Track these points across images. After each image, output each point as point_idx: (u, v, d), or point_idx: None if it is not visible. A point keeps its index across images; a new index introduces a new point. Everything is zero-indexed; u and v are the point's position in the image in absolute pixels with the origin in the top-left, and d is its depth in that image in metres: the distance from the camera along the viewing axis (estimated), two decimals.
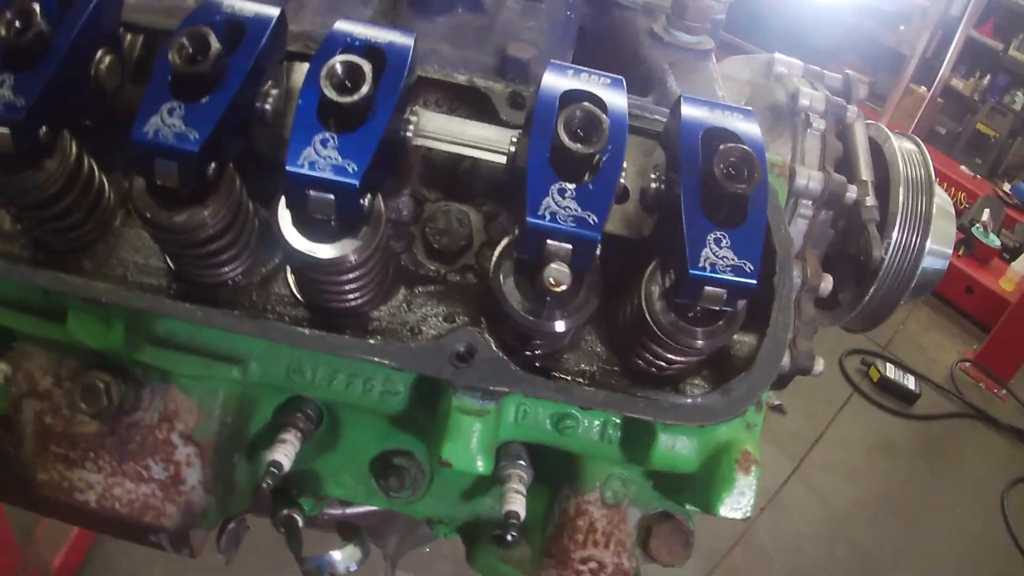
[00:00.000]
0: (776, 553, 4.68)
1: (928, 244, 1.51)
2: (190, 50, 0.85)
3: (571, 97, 0.89)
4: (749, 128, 0.91)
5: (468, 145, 0.99)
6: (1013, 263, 8.13)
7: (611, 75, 0.95)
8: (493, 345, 0.94)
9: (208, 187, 0.88)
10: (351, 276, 0.94)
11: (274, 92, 0.94)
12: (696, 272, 0.84)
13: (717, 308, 0.88)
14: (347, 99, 0.83)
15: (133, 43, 1.07)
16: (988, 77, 11.92)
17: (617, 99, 0.91)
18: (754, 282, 0.85)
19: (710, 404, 0.97)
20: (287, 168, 0.82)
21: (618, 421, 1.04)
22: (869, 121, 1.62)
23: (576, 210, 0.82)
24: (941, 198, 1.56)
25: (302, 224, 0.88)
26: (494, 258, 0.92)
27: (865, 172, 1.50)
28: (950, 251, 1.56)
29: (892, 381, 6.43)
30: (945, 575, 5.10)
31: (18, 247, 1.04)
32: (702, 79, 1.33)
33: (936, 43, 9.03)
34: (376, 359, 0.93)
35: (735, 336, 1.04)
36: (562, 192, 0.83)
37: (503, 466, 1.08)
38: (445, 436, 0.94)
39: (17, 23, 0.86)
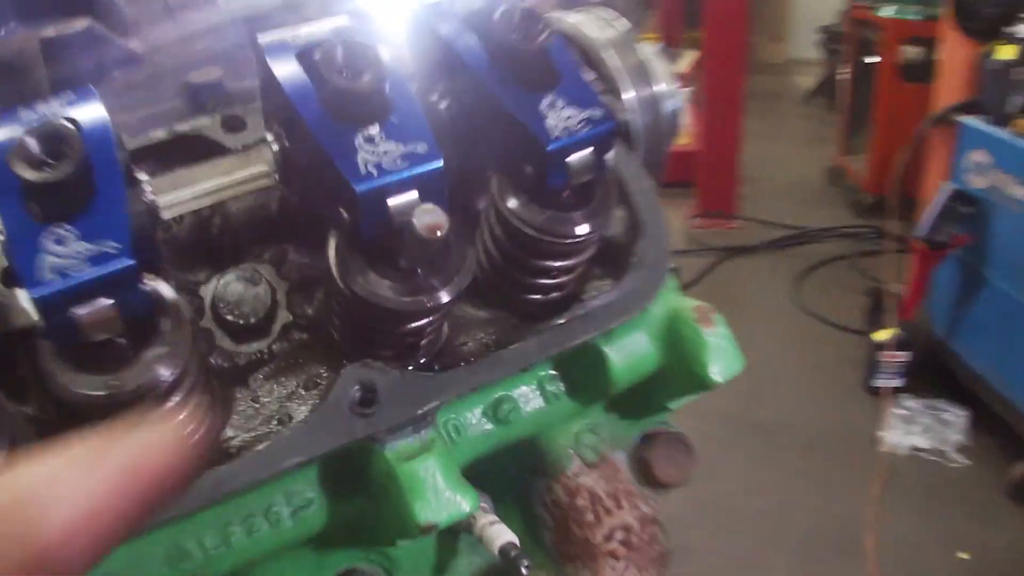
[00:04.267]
0: None
1: (660, 87, 1.46)
2: None
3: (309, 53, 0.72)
4: None
5: (227, 188, 0.80)
6: None
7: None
8: (387, 369, 0.75)
9: None
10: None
11: None
12: (555, 145, 0.70)
13: (590, 176, 0.74)
14: (59, 173, 0.62)
15: None
16: None
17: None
18: (612, 122, 0.73)
19: (637, 282, 0.82)
20: (34, 298, 0.60)
21: (552, 373, 0.87)
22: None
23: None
24: (643, 43, 1.51)
25: (75, 362, 0.65)
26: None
27: None
28: (677, 85, 1.53)
29: None
30: (788, 379, 5.38)
31: None
32: None
33: None
34: (281, 467, 0.71)
35: None
36: (370, 140, 0.66)
37: None
38: (409, 498, 0.73)
39: None
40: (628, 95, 1.42)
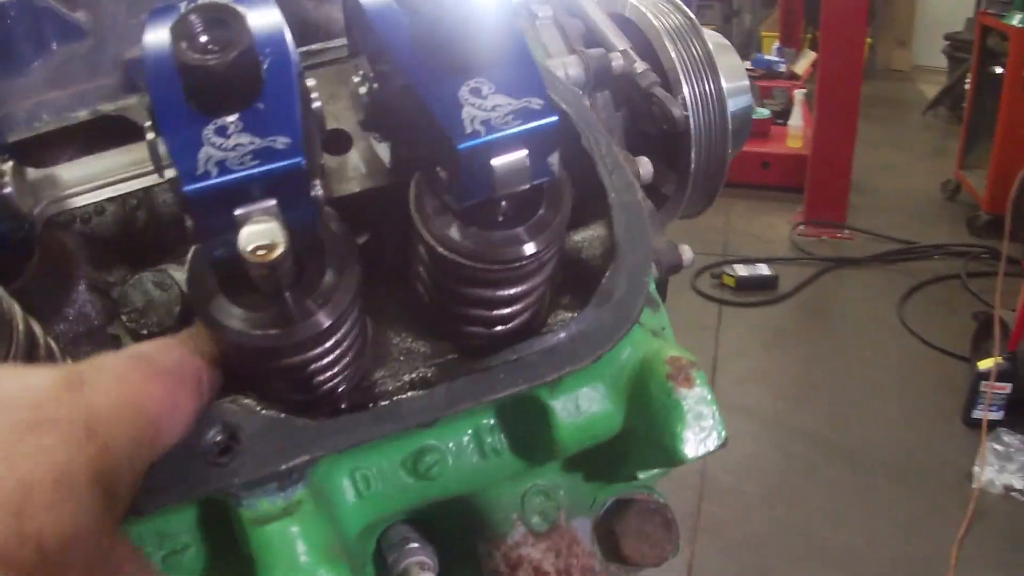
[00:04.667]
0: (743, 486, 4.47)
1: (723, 84, 1.29)
2: None
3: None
4: None
5: (120, 180, 0.69)
6: (789, 122, 8.33)
7: None
8: (256, 409, 0.61)
9: None
10: None
11: None
12: (467, 144, 0.54)
13: (525, 184, 0.58)
14: None
15: None
16: None
17: None
18: (554, 116, 0.56)
19: (593, 323, 0.66)
20: None
21: (491, 422, 0.72)
22: None
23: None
24: (711, 34, 1.34)
25: None
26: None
27: (619, 41, 1.27)
28: (747, 82, 1.35)
29: (748, 278, 6.39)
30: (885, 405, 5.07)
31: None
32: None
33: None
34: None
35: (582, 236, 0.75)
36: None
37: (394, 560, 0.75)
38: (259, 569, 0.60)
39: None
40: (684, 93, 1.26)
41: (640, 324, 0.71)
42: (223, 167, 0.50)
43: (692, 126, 1.28)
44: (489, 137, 0.54)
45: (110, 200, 0.79)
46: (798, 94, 8.69)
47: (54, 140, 0.81)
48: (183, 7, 0.56)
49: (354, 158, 0.72)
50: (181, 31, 0.53)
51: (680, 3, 1.35)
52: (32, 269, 0.72)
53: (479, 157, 0.54)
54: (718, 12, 11.90)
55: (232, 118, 0.52)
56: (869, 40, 9.38)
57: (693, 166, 1.30)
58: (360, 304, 0.62)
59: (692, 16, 1.31)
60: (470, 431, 0.71)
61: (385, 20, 0.60)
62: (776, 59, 10.07)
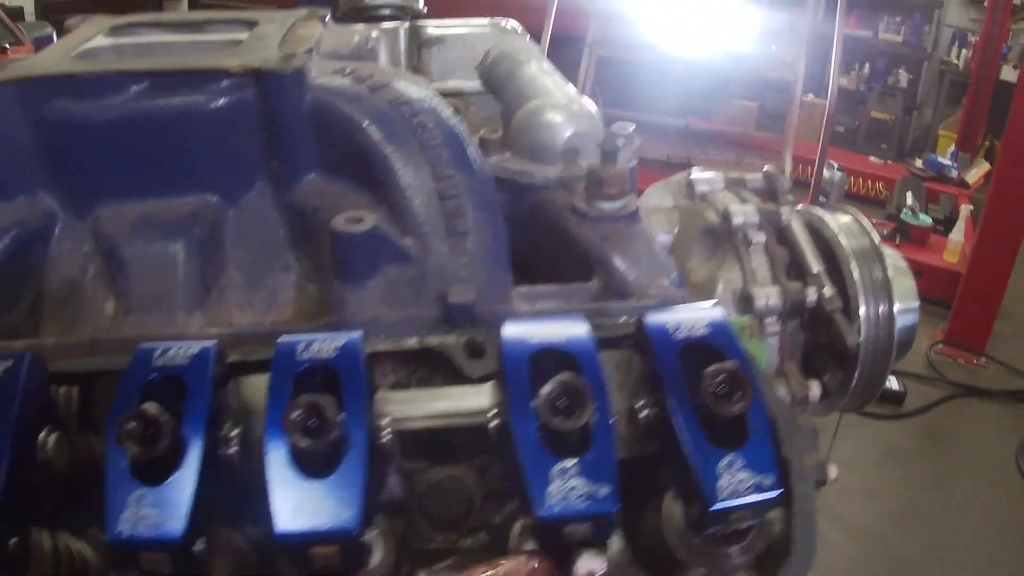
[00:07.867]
0: None
1: (896, 307, 1.49)
2: (142, 433, 0.80)
3: (541, 362, 0.87)
4: (722, 334, 0.90)
5: (445, 417, 0.97)
6: (950, 234, 8.25)
7: (568, 313, 0.93)
8: None
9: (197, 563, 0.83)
10: None
11: (235, 433, 0.89)
12: (720, 506, 0.82)
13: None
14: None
15: (68, 395, 0.98)
16: (867, 65, 12.38)
17: (583, 340, 0.89)
18: (778, 491, 0.83)
19: None
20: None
21: None
22: (800, 206, 1.61)
23: (585, 486, 0.80)
24: (892, 257, 1.55)
25: None
26: None
27: (815, 265, 1.48)
28: (917, 303, 1.54)
29: None
30: (986, 553, 5.03)
31: None
32: (640, 244, 1.29)
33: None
34: None
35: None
36: (564, 472, 0.81)
37: None
38: None
39: None
40: (860, 315, 1.47)
41: None
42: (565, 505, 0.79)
43: (861, 349, 1.49)
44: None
45: None
46: (964, 209, 8.60)
47: (383, 355, 1.05)
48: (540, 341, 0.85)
49: None
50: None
51: (868, 225, 1.56)
52: None
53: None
54: (900, 102, 11.75)
55: (571, 463, 0.81)
56: None
57: (855, 383, 1.52)
58: None
59: (877, 240, 1.52)
60: None
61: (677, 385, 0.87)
62: (949, 163, 9.93)
